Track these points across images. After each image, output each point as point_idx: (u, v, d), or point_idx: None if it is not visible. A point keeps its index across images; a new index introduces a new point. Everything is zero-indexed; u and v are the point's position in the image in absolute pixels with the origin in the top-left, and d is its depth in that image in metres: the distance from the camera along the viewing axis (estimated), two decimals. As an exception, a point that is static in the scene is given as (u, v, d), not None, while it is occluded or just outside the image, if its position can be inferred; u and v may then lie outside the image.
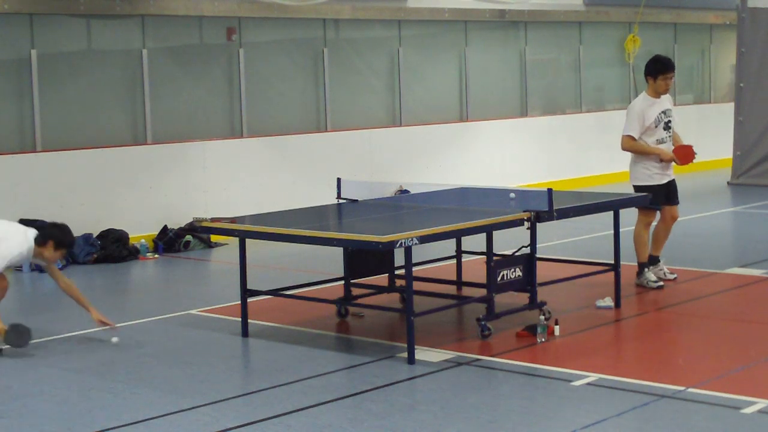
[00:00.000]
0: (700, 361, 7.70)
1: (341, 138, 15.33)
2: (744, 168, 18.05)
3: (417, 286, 8.40)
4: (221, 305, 9.63)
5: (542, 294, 8.55)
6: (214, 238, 13.04)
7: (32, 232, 8.26)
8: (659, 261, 9.96)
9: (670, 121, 9.78)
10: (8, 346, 7.95)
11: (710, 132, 19.85)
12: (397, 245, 7.28)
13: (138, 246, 12.66)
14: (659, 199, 9.75)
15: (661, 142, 9.73)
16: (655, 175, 9.76)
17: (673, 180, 9.94)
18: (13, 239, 8.15)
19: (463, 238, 9.46)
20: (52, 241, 8.23)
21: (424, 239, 7.47)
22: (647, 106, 9.74)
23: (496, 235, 8.31)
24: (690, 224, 13.39)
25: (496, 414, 6.41)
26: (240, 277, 8.58)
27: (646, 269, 9.77)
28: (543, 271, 8.75)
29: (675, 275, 10.03)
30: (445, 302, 8.69)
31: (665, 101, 9.84)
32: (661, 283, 9.71)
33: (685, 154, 9.76)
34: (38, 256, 8.28)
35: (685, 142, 10.05)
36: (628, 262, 9.65)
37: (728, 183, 18.09)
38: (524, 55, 18.24)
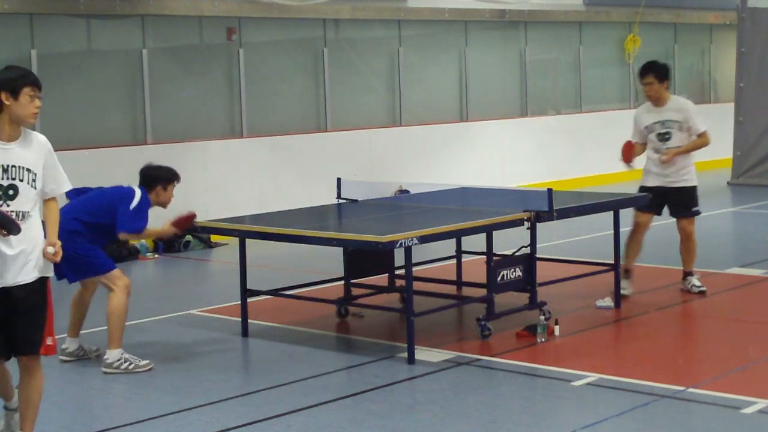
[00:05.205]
0: (700, 361, 7.71)
1: (341, 138, 15.32)
2: (744, 168, 18.04)
3: (417, 286, 8.40)
4: (221, 305, 9.63)
5: (542, 294, 8.55)
6: (214, 238, 13.04)
7: None
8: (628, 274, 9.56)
9: (667, 133, 9.34)
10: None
11: (710, 132, 19.77)
12: (397, 245, 7.28)
13: (138, 246, 12.65)
14: (652, 201, 9.35)
15: (656, 151, 9.42)
16: (648, 178, 9.55)
17: (675, 189, 9.40)
18: None
19: (463, 238, 9.46)
20: None
21: (424, 239, 7.46)
22: (642, 113, 9.55)
23: (496, 235, 8.31)
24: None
25: (496, 414, 6.41)
26: (240, 277, 8.58)
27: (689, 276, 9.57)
28: (543, 271, 8.75)
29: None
30: (445, 302, 8.69)
31: (668, 111, 9.36)
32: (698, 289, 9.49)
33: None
34: None
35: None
36: (628, 262, 9.64)
37: (728, 183, 18.09)
38: (524, 55, 18.23)
